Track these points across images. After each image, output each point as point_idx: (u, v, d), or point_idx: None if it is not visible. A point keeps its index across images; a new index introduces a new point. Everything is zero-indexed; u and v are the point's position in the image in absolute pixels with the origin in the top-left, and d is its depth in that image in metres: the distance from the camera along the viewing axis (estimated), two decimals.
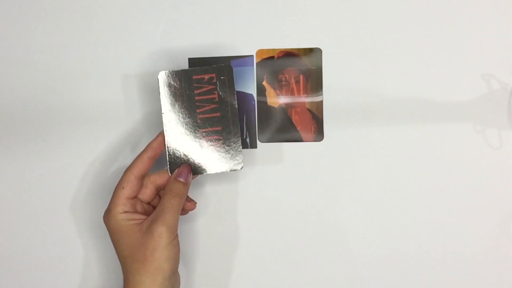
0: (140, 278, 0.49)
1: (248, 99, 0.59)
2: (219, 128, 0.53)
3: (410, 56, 0.58)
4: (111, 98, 0.59)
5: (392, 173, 0.58)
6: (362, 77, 0.58)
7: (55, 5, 0.59)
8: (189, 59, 0.58)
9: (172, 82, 0.52)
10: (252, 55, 0.58)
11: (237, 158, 0.53)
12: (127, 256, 0.50)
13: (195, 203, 0.55)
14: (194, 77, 0.52)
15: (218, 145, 0.53)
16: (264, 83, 0.59)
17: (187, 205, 0.54)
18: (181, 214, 0.52)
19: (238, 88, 0.58)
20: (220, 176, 0.59)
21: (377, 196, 0.58)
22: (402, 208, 0.58)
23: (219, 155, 0.53)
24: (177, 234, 0.50)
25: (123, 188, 0.51)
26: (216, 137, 0.53)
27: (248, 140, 0.59)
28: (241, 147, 0.53)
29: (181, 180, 0.51)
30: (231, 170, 0.53)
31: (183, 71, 0.52)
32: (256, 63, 0.58)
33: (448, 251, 0.58)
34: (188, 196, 0.54)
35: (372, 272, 0.58)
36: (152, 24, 0.59)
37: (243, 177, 0.59)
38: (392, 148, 0.58)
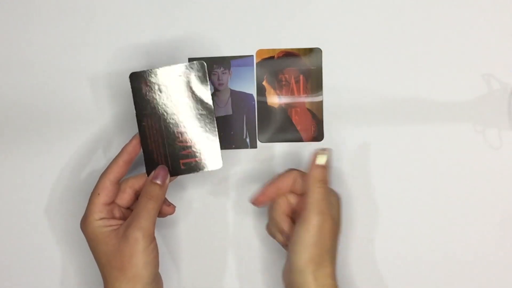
0: (119, 286, 0.48)
1: (248, 99, 0.59)
2: (196, 127, 0.52)
3: (410, 56, 0.58)
4: (105, 99, 0.59)
5: (391, 173, 0.58)
6: (362, 77, 0.58)
7: (49, 3, 0.59)
8: (189, 59, 0.58)
9: (145, 82, 0.51)
10: (252, 55, 0.58)
11: (215, 157, 0.52)
12: (105, 264, 0.48)
13: (174, 207, 0.53)
14: (166, 75, 0.51)
15: (195, 145, 0.52)
16: (264, 83, 0.59)
17: (165, 209, 0.52)
18: (159, 217, 0.51)
19: (238, 88, 0.58)
20: (220, 176, 0.58)
21: (376, 196, 0.58)
22: (402, 208, 0.58)
23: (197, 155, 0.52)
24: (154, 238, 0.49)
25: (98, 194, 0.50)
26: (192, 136, 0.52)
27: (248, 140, 0.59)
28: (219, 145, 0.51)
29: (158, 182, 0.49)
30: (210, 170, 0.52)
31: (155, 70, 0.51)
32: (256, 63, 0.58)
33: (448, 251, 0.58)
34: (166, 199, 0.52)
35: (371, 273, 0.58)
36: (152, 24, 0.59)
37: (243, 177, 0.58)
38: (392, 148, 0.58)
